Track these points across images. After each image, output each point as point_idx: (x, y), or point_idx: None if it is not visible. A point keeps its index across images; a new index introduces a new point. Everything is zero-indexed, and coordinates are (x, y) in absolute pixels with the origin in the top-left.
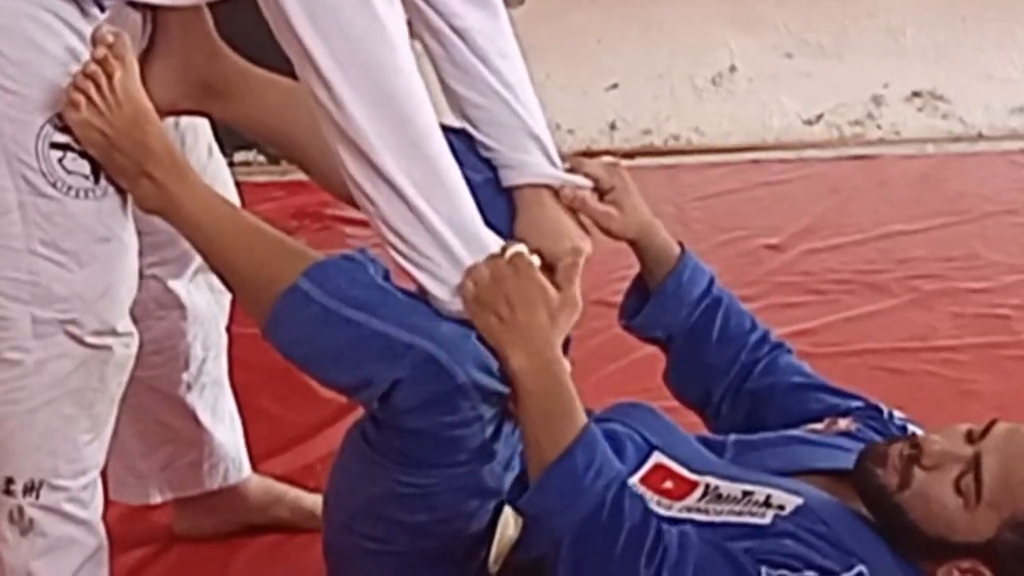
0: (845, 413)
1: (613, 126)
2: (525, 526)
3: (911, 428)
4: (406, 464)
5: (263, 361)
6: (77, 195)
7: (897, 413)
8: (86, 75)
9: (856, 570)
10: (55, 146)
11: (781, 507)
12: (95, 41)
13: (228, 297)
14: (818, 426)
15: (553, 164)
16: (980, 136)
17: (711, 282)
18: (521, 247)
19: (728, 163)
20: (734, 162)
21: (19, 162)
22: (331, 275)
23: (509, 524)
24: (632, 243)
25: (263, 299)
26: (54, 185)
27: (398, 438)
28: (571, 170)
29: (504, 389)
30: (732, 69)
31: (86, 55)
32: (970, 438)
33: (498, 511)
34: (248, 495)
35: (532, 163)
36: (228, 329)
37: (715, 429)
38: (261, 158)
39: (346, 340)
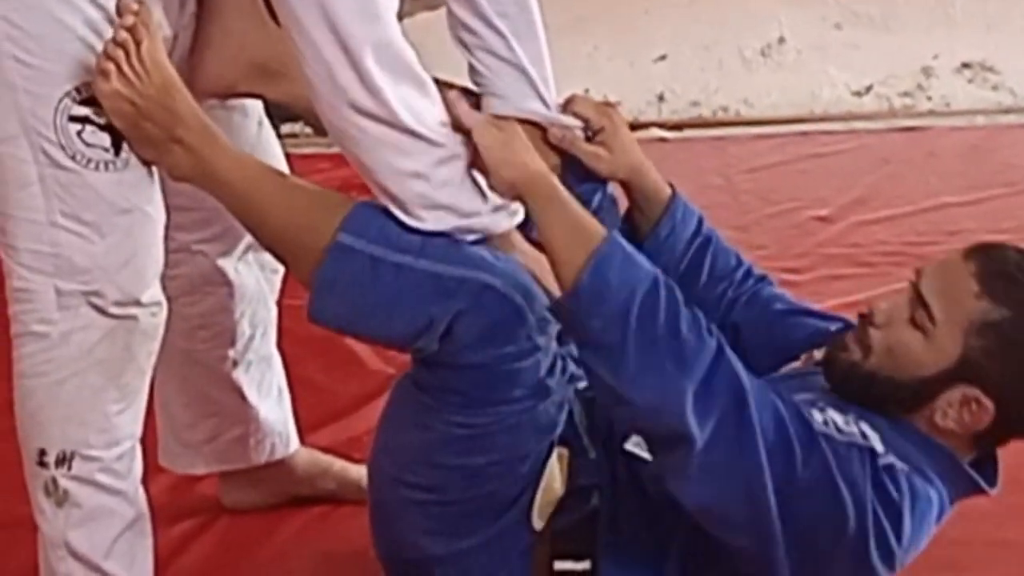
0: (822, 343)
1: (661, 97)
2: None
3: None
4: (463, 404)
5: (311, 332)
6: (97, 167)
7: None
8: (116, 43)
9: (862, 425)
10: (74, 119)
11: None
12: (121, 10)
13: (279, 275)
14: (796, 364)
15: (544, 103)
16: None
17: (700, 222)
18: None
19: (777, 135)
20: (783, 134)
21: (38, 135)
22: (369, 222)
23: (556, 477)
24: (623, 184)
25: (305, 257)
26: (73, 158)
27: (455, 378)
28: (563, 111)
29: (550, 315)
30: (781, 40)
31: (105, 27)
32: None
33: (546, 457)
34: (295, 467)
35: (516, 96)
36: (277, 301)
37: None
38: (308, 130)
39: (400, 286)
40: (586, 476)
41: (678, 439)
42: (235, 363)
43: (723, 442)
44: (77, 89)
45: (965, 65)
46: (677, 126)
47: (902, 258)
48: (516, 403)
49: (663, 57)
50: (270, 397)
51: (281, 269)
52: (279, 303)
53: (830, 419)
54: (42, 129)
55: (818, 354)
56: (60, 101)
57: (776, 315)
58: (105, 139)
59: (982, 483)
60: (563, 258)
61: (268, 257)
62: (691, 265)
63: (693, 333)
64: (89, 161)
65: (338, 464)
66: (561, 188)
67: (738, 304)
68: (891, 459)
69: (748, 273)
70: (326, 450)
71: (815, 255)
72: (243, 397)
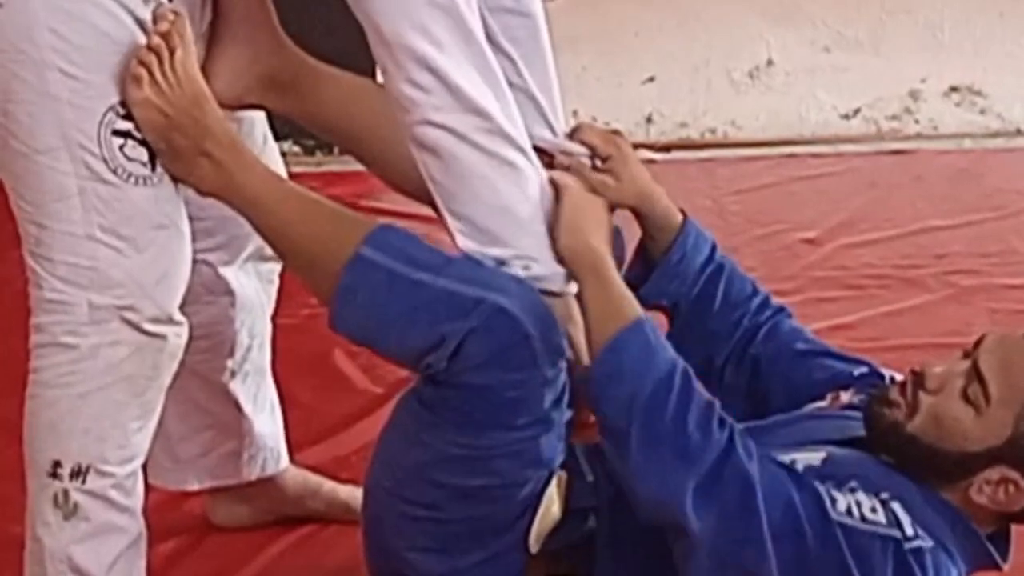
0: (846, 385)
1: (649, 119)
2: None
3: None
4: (465, 425)
5: (301, 352)
6: (136, 182)
7: (898, 377)
8: (150, 49)
9: (894, 505)
10: (117, 133)
11: (810, 464)
12: (157, 18)
13: (275, 287)
14: (822, 404)
15: (552, 130)
16: (1018, 131)
17: (713, 249)
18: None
19: (765, 157)
20: (771, 156)
21: (81, 148)
22: (392, 240)
23: (554, 501)
24: (633, 211)
25: (326, 271)
26: (115, 172)
27: (460, 397)
28: (570, 139)
29: (565, 348)
30: (769, 63)
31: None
32: (966, 356)
33: (545, 484)
34: (285, 486)
35: (524, 122)
36: (271, 319)
37: (718, 395)
38: (296, 148)
39: (416, 302)
40: (583, 498)
41: (680, 530)
42: (233, 374)
43: (727, 535)
44: (121, 103)
45: (953, 89)
46: (665, 148)
47: (889, 281)
48: (517, 431)
49: (651, 79)
50: (264, 411)
51: (276, 281)
52: (271, 320)
53: (855, 504)
54: (85, 142)
55: (845, 396)
56: (105, 115)
57: (798, 354)
58: (144, 153)
59: (999, 560)
60: (594, 338)
61: (266, 268)
62: (703, 292)
63: (701, 429)
64: (130, 176)
65: (328, 485)
66: (610, 267)
67: (758, 336)
68: (919, 542)
69: (765, 303)
70: (314, 469)
71: (803, 277)
72: (239, 409)
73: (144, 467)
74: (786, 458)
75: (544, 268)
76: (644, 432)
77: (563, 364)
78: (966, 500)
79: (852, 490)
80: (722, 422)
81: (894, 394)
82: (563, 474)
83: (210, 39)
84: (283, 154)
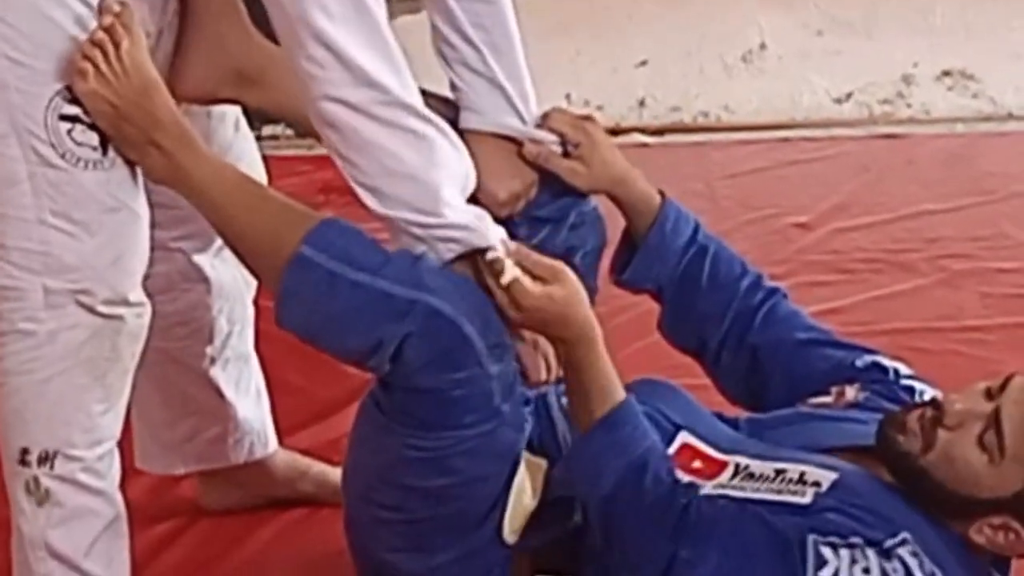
0: (851, 379)
1: (642, 103)
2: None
3: (917, 387)
4: (416, 427)
5: (289, 335)
6: (86, 166)
7: (903, 369)
8: (93, 43)
9: (901, 536)
10: (64, 118)
11: (817, 483)
12: (102, 10)
13: None
14: (827, 399)
15: (521, 118)
16: (1010, 116)
17: (696, 230)
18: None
19: (757, 141)
20: (763, 140)
21: (29, 134)
22: (331, 237)
23: (525, 491)
24: (609, 196)
25: (270, 267)
26: (63, 156)
27: (408, 400)
28: (540, 127)
29: (508, 340)
30: (762, 47)
31: (94, 26)
32: (989, 395)
33: (512, 473)
34: (274, 469)
35: (492, 111)
36: (255, 302)
37: (717, 378)
38: (289, 132)
39: (354, 304)
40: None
41: None
42: (213, 360)
43: None
44: (67, 88)
45: (945, 73)
46: (658, 131)
47: (881, 265)
48: (468, 428)
49: (644, 63)
50: (248, 396)
51: None
52: (256, 304)
53: (847, 567)
54: (32, 127)
55: (850, 392)
56: (51, 100)
57: (798, 344)
58: (94, 138)
59: None
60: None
61: None
62: (687, 274)
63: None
64: (79, 160)
65: (317, 467)
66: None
67: (754, 322)
68: None
69: (756, 284)
70: (305, 452)
71: (794, 261)
72: (221, 395)
73: (131, 451)
74: (796, 469)
75: (462, 233)
76: (599, 536)
77: (509, 356)
78: (964, 536)
79: (851, 546)
80: (677, 531)
81: (912, 423)
82: (543, 462)
83: (179, 35)
84: (275, 137)
